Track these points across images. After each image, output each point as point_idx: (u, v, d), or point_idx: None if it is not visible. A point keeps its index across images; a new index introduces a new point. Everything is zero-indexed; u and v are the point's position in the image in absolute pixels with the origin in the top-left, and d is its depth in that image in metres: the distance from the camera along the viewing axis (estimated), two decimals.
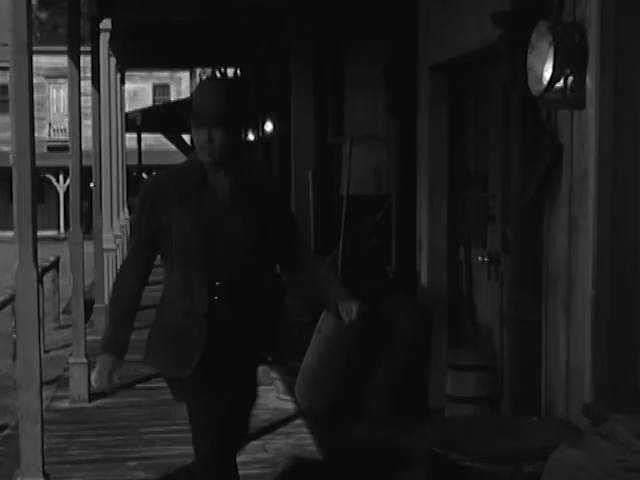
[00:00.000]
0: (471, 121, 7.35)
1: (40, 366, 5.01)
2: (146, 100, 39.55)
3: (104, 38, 12.70)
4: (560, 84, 4.71)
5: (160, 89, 42.09)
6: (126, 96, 38.24)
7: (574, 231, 4.88)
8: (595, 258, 4.60)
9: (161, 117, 23.27)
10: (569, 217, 4.94)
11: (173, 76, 41.84)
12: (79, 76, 8.10)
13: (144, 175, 27.39)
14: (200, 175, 3.96)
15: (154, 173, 4.59)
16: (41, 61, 37.76)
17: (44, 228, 35.91)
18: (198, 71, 28.33)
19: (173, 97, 40.47)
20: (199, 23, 13.25)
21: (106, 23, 12.51)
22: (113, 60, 15.05)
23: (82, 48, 8.50)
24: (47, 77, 42.63)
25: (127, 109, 28.43)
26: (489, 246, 6.83)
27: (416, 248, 7.79)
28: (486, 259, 6.67)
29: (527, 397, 5.23)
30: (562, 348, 5.01)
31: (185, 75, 40.52)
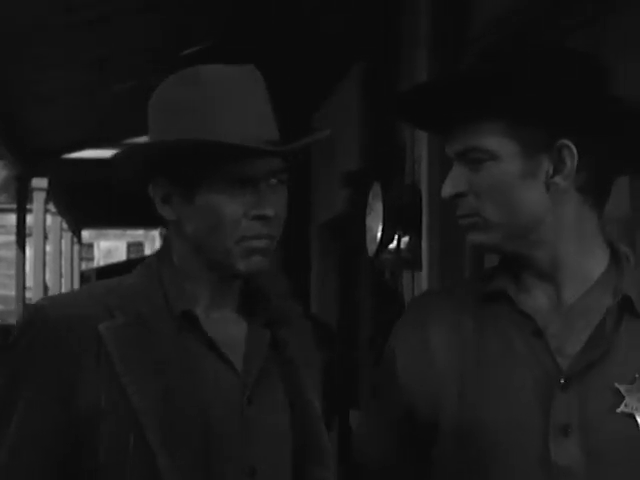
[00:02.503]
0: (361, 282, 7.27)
1: None
2: (120, 258, 39.60)
3: (39, 196, 12.76)
4: (394, 245, 4.66)
5: (134, 247, 42.18)
6: (100, 254, 38.69)
7: None
8: None
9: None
10: None
11: (147, 234, 41.99)
12: None
13: None
14: (180, 311, 1.62)
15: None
16: (13, 219, 38.09)
17: None
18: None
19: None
20: None
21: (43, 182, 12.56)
22: (58, 218, 15.17)
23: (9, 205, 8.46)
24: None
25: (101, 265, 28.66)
26: None
27: None
28: None
29: None
30: None
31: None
